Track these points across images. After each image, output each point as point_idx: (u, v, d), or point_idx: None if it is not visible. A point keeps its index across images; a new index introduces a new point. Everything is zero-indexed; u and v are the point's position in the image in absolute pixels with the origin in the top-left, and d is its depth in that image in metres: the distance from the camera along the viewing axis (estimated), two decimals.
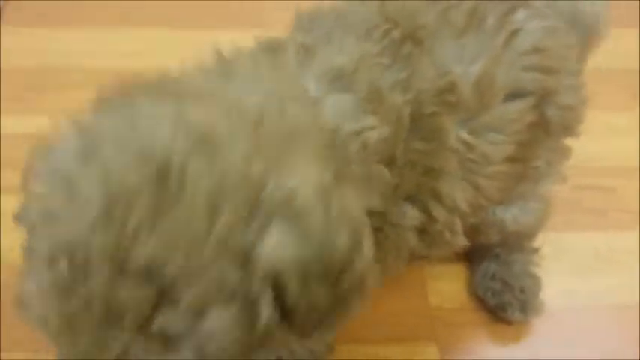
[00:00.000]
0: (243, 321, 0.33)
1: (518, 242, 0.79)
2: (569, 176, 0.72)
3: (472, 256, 0.82)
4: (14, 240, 0.75)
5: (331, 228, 0.36)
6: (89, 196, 0.33)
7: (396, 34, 0.51)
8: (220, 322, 0.33)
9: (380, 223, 0.48)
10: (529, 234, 0.78)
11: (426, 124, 0.51)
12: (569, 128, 0.65)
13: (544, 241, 0.80)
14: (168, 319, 0.32)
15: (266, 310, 0.34)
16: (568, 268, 0.83)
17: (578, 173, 0.75)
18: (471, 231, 0.63)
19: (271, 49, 0.51)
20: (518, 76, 0.56)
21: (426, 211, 0.54)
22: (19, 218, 0.38)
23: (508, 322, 0.78)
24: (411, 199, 0.52)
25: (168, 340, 0.32)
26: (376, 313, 0.75)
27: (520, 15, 0.57)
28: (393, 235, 0.51)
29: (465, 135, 0.54)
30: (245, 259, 0.33)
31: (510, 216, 0.70)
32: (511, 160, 0.58)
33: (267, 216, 0.34)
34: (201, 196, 0.33)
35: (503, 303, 0.78)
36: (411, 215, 0.53)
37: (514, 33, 0.56)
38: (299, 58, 0.49)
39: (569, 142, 0.67)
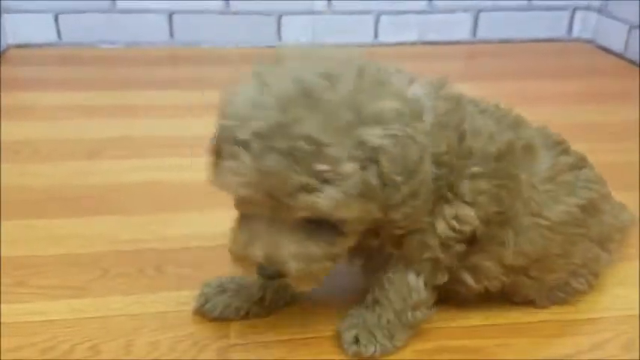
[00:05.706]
0: (363, 175, 0.58)
1: None
2: None
3: None
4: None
5: (406, 141, 0.60)
6: (270, 104, 0.58)
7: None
8: (352, 170, 0.58)
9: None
10: None
11: None
12: None
13: None
14: (323, 164, 0.56)
15: (373, 173, 0.59)
16: None
17: None
18: None
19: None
20: None
21: None
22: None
23: None
24: None
25: (324, 179, 0.57)
26: None
27: None
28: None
29: None
30: (361, 141, 0.58)
31: None
32: None
33: (369, 122, 0.59)
34: (337, 106, 0.58)
35: None
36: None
37: None
38: None
39: None
